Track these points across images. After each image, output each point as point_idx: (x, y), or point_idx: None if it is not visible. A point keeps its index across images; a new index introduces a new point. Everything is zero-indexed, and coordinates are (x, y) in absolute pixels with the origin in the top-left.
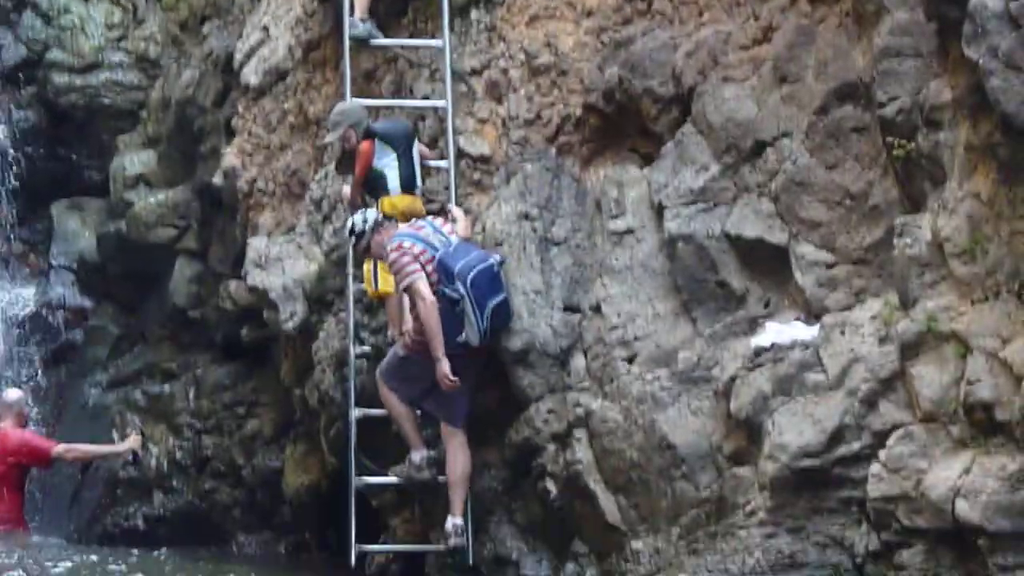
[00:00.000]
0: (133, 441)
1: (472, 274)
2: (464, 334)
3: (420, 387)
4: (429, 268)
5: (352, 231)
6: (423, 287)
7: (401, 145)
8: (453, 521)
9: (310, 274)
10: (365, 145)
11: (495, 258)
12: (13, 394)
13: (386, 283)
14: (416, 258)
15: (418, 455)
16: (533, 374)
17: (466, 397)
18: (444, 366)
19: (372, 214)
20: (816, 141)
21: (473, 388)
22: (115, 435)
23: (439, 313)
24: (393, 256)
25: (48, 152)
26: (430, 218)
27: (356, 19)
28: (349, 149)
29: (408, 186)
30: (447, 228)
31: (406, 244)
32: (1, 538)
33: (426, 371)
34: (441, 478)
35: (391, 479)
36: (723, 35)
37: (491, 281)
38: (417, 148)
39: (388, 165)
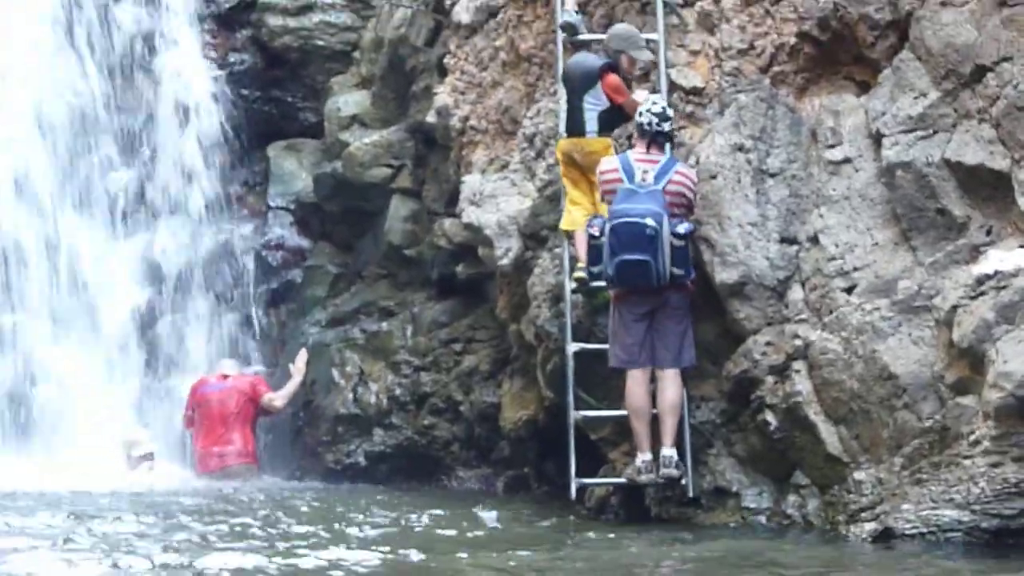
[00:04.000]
0: (300, 360)
1: (615, 222)
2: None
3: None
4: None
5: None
6: None
7: (574, 87)
8: (664, 452)
9: (524, 210)
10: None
11: (655, 223)
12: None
13: (569, 221)
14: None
15: (641, 458)
16: (750, 306)
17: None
18: None
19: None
20: None
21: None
22: (335, 372)
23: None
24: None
25: (263, 94)
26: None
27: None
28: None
29: (572, 130)
30: (643, 168)
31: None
32: (239, 473)
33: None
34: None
35: (610, 413)
36: None
37: (633, 237)
38: (600, 89)
39: (561, 108)
